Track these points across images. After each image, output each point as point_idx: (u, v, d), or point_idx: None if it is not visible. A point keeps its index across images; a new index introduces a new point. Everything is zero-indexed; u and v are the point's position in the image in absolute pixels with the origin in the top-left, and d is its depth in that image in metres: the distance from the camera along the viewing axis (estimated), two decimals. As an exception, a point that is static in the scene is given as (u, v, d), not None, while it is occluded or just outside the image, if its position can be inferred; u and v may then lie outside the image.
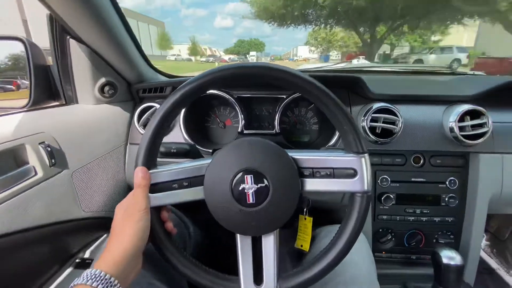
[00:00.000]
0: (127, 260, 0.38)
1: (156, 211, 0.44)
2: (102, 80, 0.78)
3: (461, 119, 0.72)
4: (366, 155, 0.43)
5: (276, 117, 0.79)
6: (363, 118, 0.74)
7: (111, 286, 0.35)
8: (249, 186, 0.42)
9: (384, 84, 0.80)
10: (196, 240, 0.76)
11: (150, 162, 0.44)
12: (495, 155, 0.75)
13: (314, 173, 0.43)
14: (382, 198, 0.78)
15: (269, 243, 0.45)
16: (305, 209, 0.75)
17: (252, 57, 60.07)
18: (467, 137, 0.72)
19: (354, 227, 0.43)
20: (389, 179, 0.78)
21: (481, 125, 0.72)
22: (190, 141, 0.79)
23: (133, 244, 0.39)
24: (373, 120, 0.73)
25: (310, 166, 0.44)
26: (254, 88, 0.82)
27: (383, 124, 0.72)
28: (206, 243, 0.83)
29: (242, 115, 0.80)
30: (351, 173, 0.42)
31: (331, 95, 0.42)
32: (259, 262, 0.45)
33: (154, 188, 0.43)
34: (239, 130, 0.80)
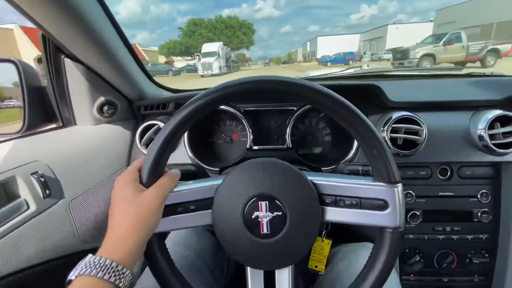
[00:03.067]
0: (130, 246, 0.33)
1: (158, 239, 0.38)
2: (101, 99, 0.73)
3: (491, 126, 0.66)
4: (400, 185, 0.36)
5: (287, 131, 0.74)
6: (382, 129, 0.68)
7: (118, 274, 0.30)
8: (263, 214, 0.37)
9: (402, 90, 0.74)
10: (232, 270, 0.70)
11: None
12: None
13: (338, 201, 0.38)
14: (408, 216, 0.71)
15: (283, 280, 0.41)
16: (323, 232, 0.69)
17: (208, 59, 17.76)
18: (499, 145, 0.66)
19: (382, 269, 0.36)
20: (413, 194, 0.71)
21: None
22: (196, 160, 0.74)
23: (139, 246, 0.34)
24: (394, 130, 0.67)
25: (333, 193, 0.38)
26: (261, 101, 0.77)
27: (405, 135, 0.66)
28: (239, 276, 0.75)
29: (250, 130, 0.74)
30: (381, 205, 0.36)
31: (359, 115, 0.36)
32: None
33: None
34: (248, 146, 0.74)
